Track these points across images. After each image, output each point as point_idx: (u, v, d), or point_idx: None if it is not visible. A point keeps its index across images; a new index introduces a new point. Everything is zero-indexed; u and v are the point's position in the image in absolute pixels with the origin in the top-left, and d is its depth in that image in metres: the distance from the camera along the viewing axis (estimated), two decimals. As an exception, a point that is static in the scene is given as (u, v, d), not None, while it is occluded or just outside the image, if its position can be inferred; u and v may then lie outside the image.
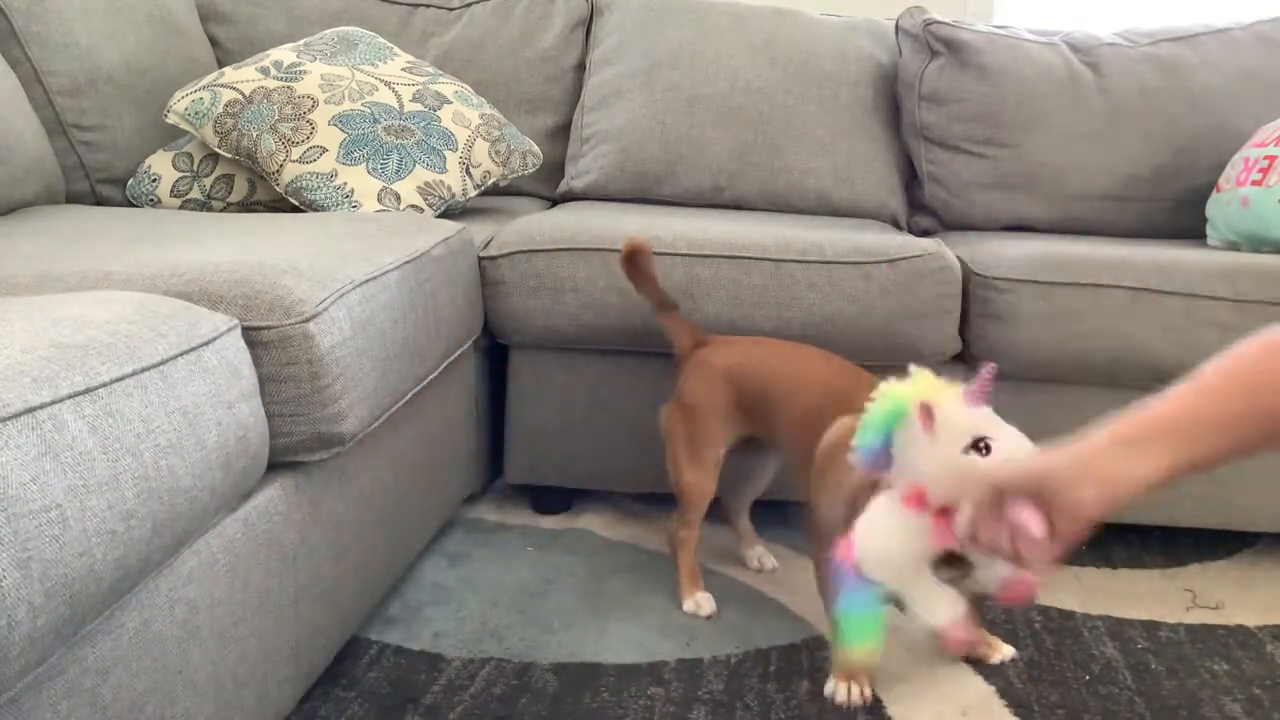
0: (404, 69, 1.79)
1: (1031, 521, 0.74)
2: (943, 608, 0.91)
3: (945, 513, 0.88)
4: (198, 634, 0.83)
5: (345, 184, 1.56)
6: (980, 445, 0.88)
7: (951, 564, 0.91)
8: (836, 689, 1.19)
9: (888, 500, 0.94)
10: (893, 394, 0.93)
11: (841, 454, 1.13)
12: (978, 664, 1.28)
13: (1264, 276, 1.51)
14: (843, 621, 0.98)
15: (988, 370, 0.92)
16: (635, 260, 1.41)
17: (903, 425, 0.92)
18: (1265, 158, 1.73)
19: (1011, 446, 0.89)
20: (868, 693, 1.19)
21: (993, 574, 0.91)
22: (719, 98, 2.00)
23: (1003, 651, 1.29)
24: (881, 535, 0.93)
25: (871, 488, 0.99)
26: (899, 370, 0.96)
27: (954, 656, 1.11)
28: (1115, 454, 0.73)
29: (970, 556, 0.90)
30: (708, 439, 1.37)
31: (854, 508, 1.00)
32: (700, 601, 1.39)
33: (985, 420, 0.91)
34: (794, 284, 1.49)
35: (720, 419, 1.36)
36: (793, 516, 1.67)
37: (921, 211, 2.08)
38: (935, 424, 0.90)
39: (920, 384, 0.93)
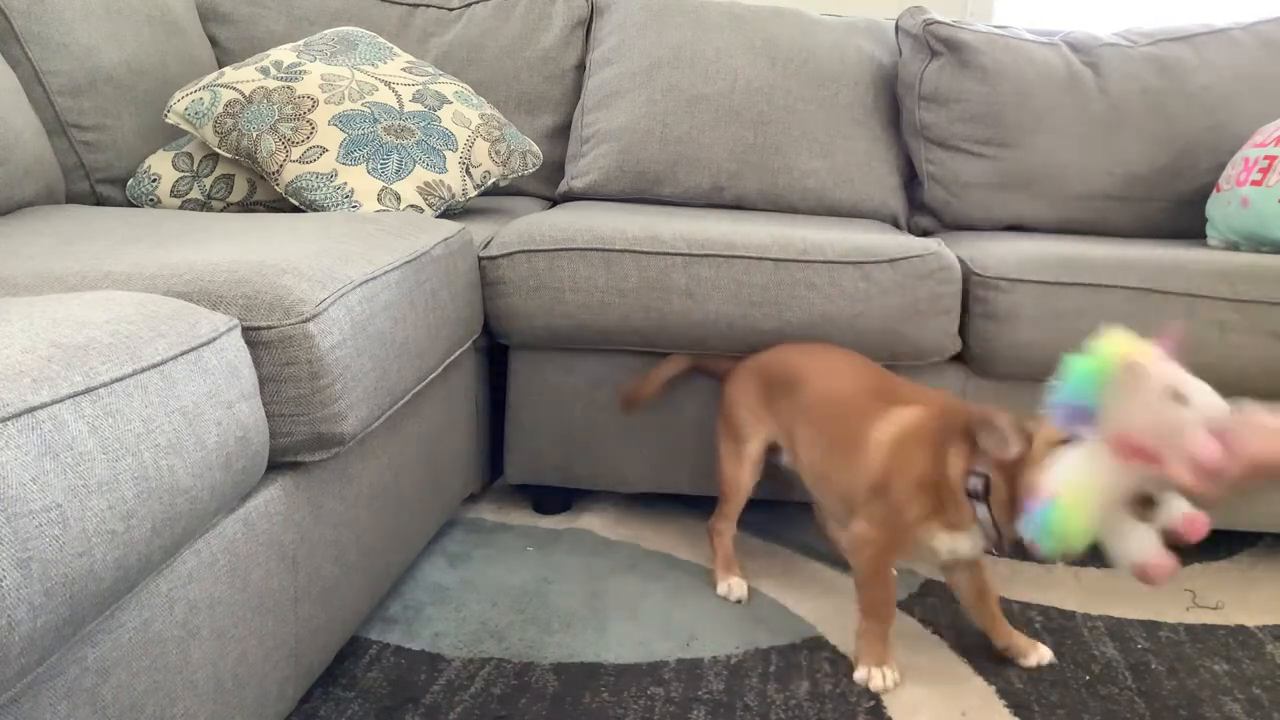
0: (404, 69, 1.79)
1: (1209, 450, 0.92)
2: (1143, 544, 1.01)
3: (1144, 454, 0.98)
4: (198, 634, 0.83)
5: (345, 184, 1.56)
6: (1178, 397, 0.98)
7: (1140, 504, 1.02)
8: (871, 675, 1.23)
9: (1086, 450, 1.02)
10: (1097, 353, 1.01)
11: (920, 442, 1.21)
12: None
13: (1264, 276, 1.51)
14: (1051, 517, 1.02)
15: (1174, 329, 1.04)
16: (639, 402, 1.55)
17: (1107, 382, 1.00)
18: (1265, 158, 1.73)
19: (1205, 395, 0.98)
20: (898, 676, 1.23)
21: (1173, 511, 1.02)
22: (719, 98, 2.00)
23: (1039, 653, 1.30)
24: (1087, 480, 1.01)
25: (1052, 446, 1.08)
26: (1095, 333, 1.05)
27: (1157, 587, 1.14)
28: None
29: (1156, 496, 1.01)
30: (741, 434, 1.45)
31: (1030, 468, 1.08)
32: (733, 585, 1.44)
33: (1177, 374, 0.99)
34: (794, 284, 1.49)
35: (750, 412, 1.44)
36: (793, 517, 1.68)
37: (921, 211, 2.08)
38: (1142, 383, 0.98)
39: (1120, 343, 1.01)
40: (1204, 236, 1.85)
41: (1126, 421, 0.99)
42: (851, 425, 1.28)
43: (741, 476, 1.46)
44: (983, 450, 1.13)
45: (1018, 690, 1.23)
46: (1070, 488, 1.01)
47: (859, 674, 1.23)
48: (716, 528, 1.49)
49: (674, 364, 1.54)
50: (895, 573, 1.25)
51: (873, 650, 1.24)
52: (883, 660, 1.23)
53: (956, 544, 1.20)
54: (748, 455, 1.45)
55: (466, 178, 1.71)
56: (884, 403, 1.27)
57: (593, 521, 1.67)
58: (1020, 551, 1.19)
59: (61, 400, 0.65)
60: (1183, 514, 1.02)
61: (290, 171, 1.57)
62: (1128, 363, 0.99)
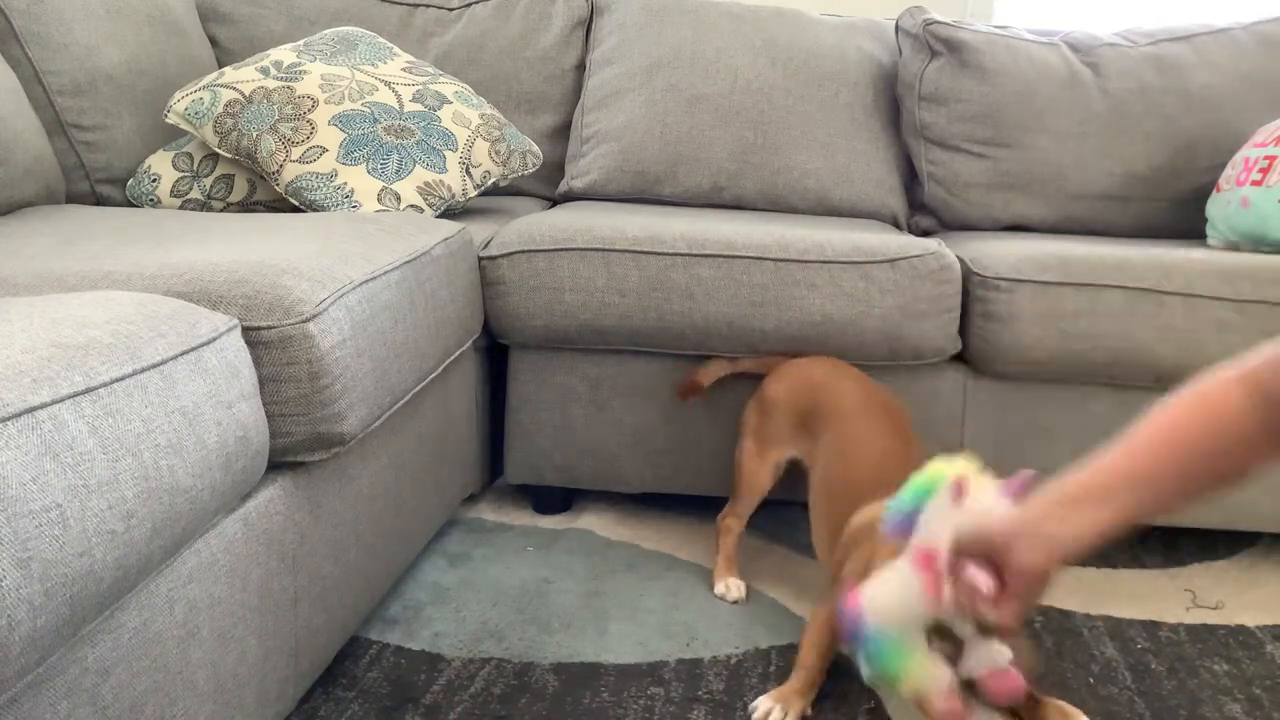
0: (404, 69, 1.79)
1: (978, 578, 0.77)
2: (929, 672, 0.88)
3: (928, 563, 0.86)
4: (198, 634, 0.83)
5: (345, 184, 1.56)
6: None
7: (944, 637, 0.89)
8: (759, 706, 1.15)
9: (901, 560, 0.91)
10: (934, 469, 0.92)
11: (870, 533, 1.17)
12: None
13: (1264, 276, 1.51)
14: (874, 658, 0.92)
15: (1028, 475, 0.90)
16: (694, 393, 1.55)
17: (934, 496, 0.90)
18: (1265, 158, 1.73)
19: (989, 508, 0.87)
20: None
21: (981, 659, 0.88)
22: (719, 98, 2.00)
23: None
24: (884, 589, 0.90)
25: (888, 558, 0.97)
26: (946, 452, 0.94)
27: None
28: (1056, 514, 0.76)
29: (960, 632, 0.88)
30: (775, 437, 1.44)
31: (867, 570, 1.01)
32: (730, 586, 1.43)
33: (996, 500, 0.86)
34: (794, 284, 1.49)
35: (787, 422, 1.43)
36: (793, 517, 1.68)
37: (921, 211, 2.08)
38: (964, 499, 0.87)
39: (962, 466, 0.91)
40: (1204, 236, 1.85)
41: (935, 531, 0.86)
42: (849, 506, 1.26)
43: (762, 476, 1.46)
44: None
45: (1018, 690, 1.23)
46: (874, 602, 0.89)
47: (755, 702, 1.16)
48: (726, 523, 1.48)
49: (722, 367, 1.53)
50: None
51: (782, 691, 1.17)
52: (786, 701, 1.15)
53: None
54: (772, 459, 1.45)
55: (466, 178, 1.71)
56: (882, 489, 1.20)
57: (593, 521, 1.67)
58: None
59: (61, 400, 0.65)
60: (989, 667, 0.87)
61: (290, 171, 1.57)
62: (957, 477, 0.87)
